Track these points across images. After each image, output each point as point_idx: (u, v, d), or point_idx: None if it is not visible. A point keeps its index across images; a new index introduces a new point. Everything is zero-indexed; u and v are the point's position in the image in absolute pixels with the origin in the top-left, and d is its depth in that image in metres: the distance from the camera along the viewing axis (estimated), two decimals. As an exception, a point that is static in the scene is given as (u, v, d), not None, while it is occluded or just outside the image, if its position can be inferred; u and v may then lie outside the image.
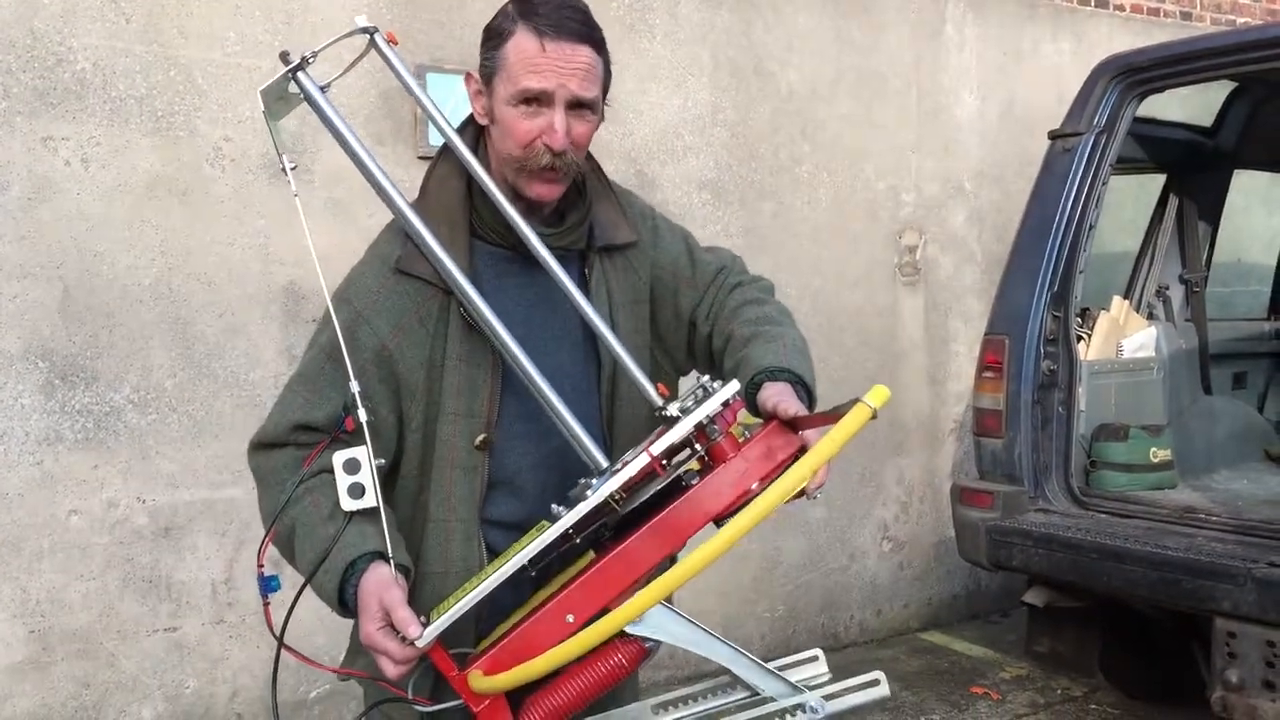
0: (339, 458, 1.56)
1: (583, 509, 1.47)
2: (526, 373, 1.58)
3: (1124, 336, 4.29)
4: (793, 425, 1.53)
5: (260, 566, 1.57)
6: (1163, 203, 4.70)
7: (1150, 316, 4.54)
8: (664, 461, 1.49)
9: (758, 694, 1.53)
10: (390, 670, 1.50)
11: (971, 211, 5.47)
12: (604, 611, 1.45)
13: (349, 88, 3.69)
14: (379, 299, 1.66)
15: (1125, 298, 4.50)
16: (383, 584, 1.53)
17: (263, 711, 3.79)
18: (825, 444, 1.38)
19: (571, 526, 1.48)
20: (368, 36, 1.63)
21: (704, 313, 1.87)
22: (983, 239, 5.50)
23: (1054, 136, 4.02)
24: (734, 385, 1.52)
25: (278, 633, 1.55)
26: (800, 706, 1.51)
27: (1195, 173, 4.66)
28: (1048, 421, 3.90)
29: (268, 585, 1.58)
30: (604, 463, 1.54)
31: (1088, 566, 3.47)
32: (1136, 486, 3.95)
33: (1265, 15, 6.97)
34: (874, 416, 1.39)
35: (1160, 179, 4.91)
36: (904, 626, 5.33)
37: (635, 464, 1.47)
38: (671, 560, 1.53)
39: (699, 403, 1.51)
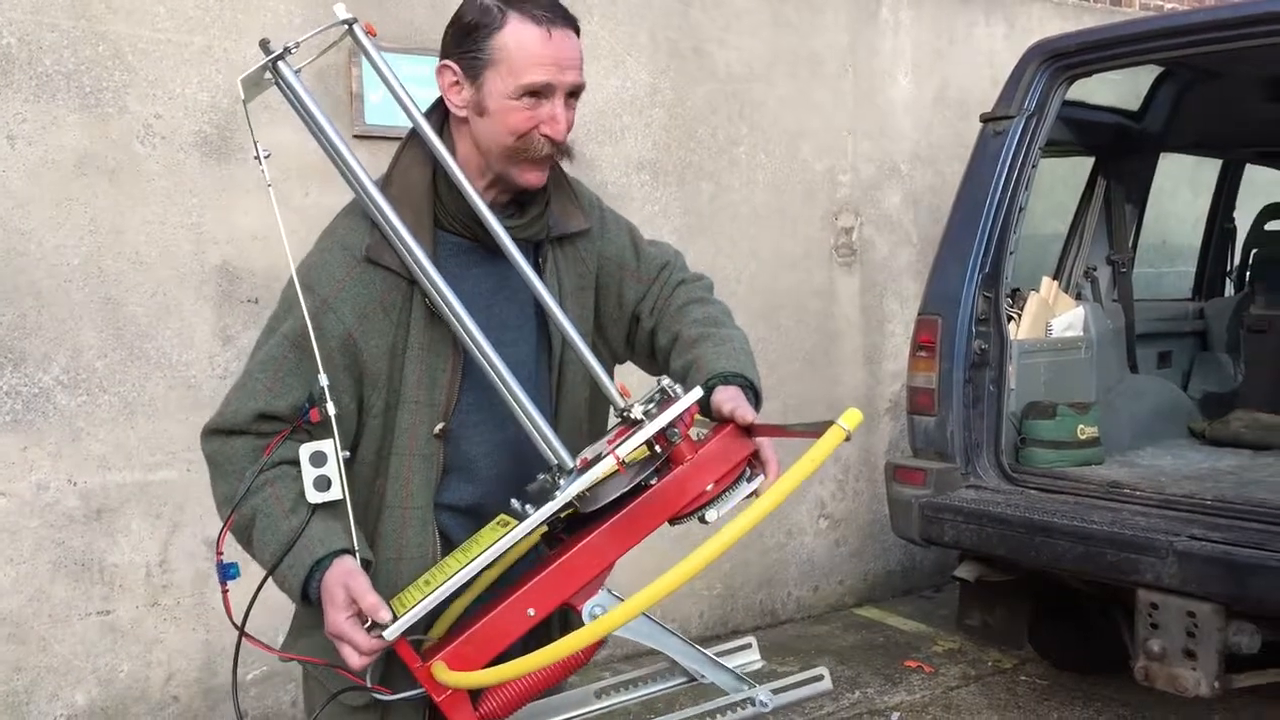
0: (305, 450, 1.58)
1: (551, 508, 1.51)
2: (495, 368, 1.60)
3: (1053, 316, 4.38)
4: (747, 430, 1.60)
5: (219, 554, 1.58)
6: (1091, 185, 4.79)
7: (1078, 297, 4.63)
8: (624, 462, 1.52)
9: (697, 679, 1.62)
10: (355, 661, 1.52)
11: (907, 193, 5.54)
12: (562, 606, 1.54)
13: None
14: (345, 287, 1.64)
15: (1054, 278, 4.59)
16: (347, 573, 1.55)
17: (199, 694, 3.76)
18: (802, 464, 1.42)
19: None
20: (345, 26, 1.62)
21: (648, 307, 1.89)
22: (918, 220, 5.58)
23: (986, 120, 4.08)
24: (697, 392, 1.57)
25: (238, 622, 1.58)
26: (750, 700, 1.59)
27: (1122, 156, 4.76)
28: (979, 400, 3.97)
29: (226, 572, 1.58)
30: (570, 462, 1.56)
31: (1017, 541, 3.54)
32: (1064, 463, 4.04)
33: (1192, 1, 7.11)
34: (848, 439, 1.45)
35: (1089, 162, 5.01)
36: (840, 602, 5.41)
37: (603, 466, 1.51)
38: None
39: (660, 405, 1.56)
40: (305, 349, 1.59)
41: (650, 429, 1.53)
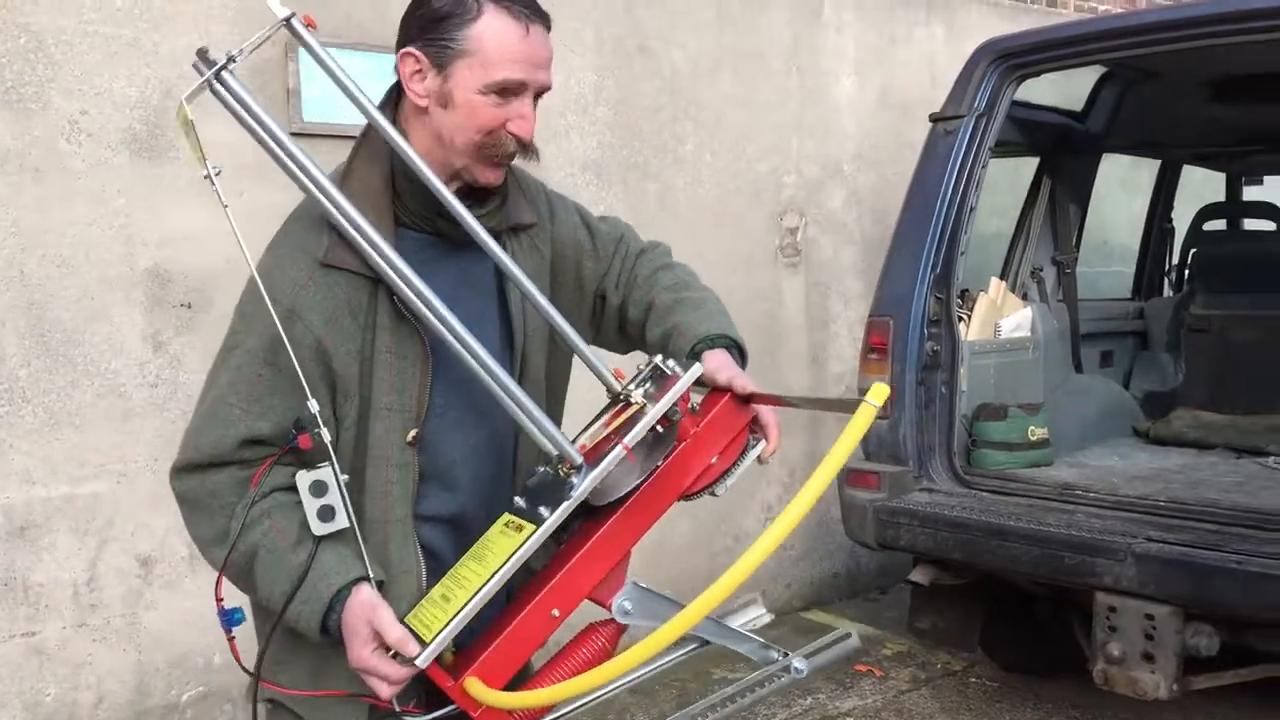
0: (304, 480, 1.50)
1: (568, 507, 1.47)
2: (484, 364, 1.54)
3: (1001, 317, 4.37)
4: (745, 398, 1.60)
5: (220, 600, 1.51)
6: (1036, 185, 4.80)
7: (1025, 297, 4.63)
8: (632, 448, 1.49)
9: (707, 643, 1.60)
10: (385, 691, 1.49)
11: (850, 193, 5.51)
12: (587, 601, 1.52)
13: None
14: (309, 293, 1.54)
15: (1001, 279, 4.58)
16: (368, 605, 1.50)
17: (131, 718, 3.59)
18: (837, 451, 1.38)
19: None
20: (284, 21, 1.49)
21: (612, 283, 1.85)
22: (861, 221, 5.55)
23: (935, 119, 4.05)
24: (697, 369, 1.55)
25: (251, 669, 1.52)
26: (785, 669, 1.59)
27: (1067, 156, 4.77)
28: (931, 402, 3.94)
29: (230, 619, 1.52)
30: (577, 456, 1.52)
31: (974, 545, 3.51)
32: (1015, 465, 4.03)
33: (1124, 4, 7.19)
34: (882, 416, 1.47)
35: (1028, 162, 5.02)
36: (788, 606, 5.36)
37: (613, 456, 1.47)
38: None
39: (655, 383, 1.54)
40: (279, 364, 1.51)
41: (656, 411, 1.49)
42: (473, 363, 1.53)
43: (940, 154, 3.96)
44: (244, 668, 1.53)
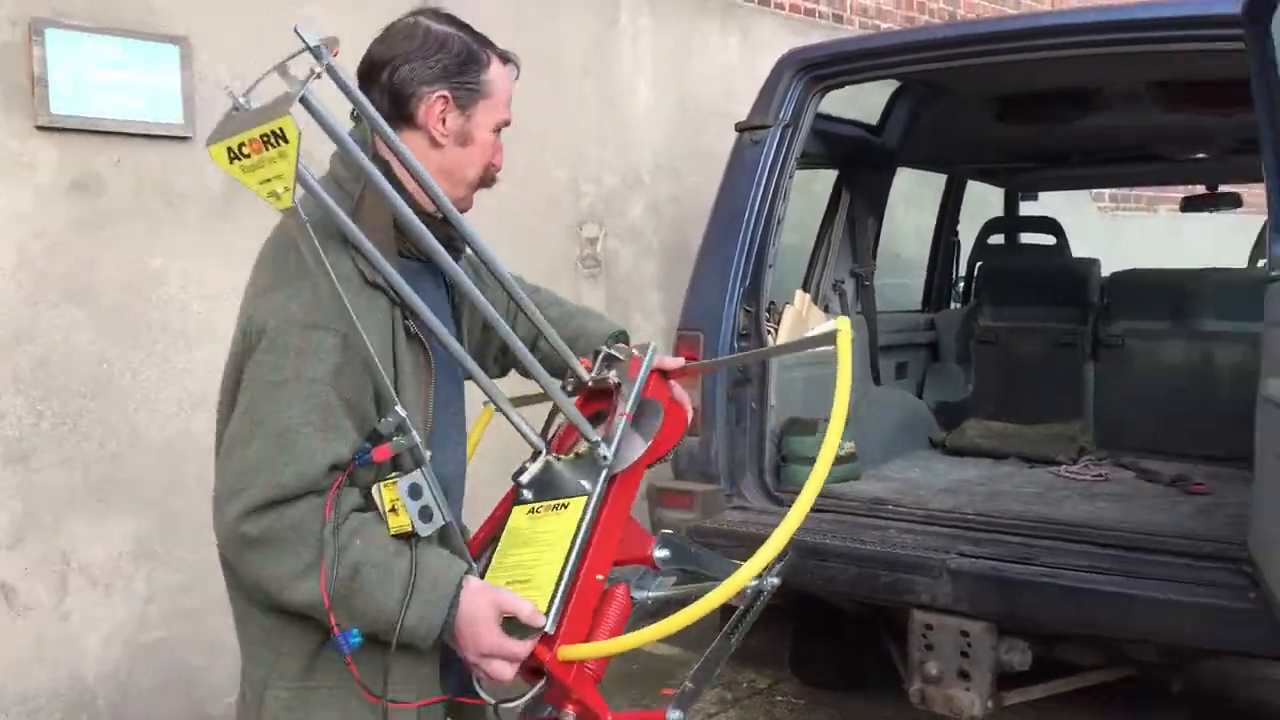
0: (403, 485, 1.56)
1: (606, 475, 1.72)
2: (483, 382, 1.74)
3: (807, 330, 4.30)
4: (664, 372, 1.92)
5: (335, 628, 1.51)
6: (836, 198, 4.79)
7: (826, 309, 4.60)
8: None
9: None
10: (508, 673, 1.57)
11: (649, 203, 5.39)
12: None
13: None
14: (359, 316, 1.54)
15: (804, 291, 4.54)
16: (486, 590, 1.59)
17: None
18: (841, 381, 1.82)
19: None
20: (308, 51, 1.52)
21: (502, 308, 1.93)
22: (660, 231, 5.44)
23: (741, 129, 3.96)
24: (653, 346, 1.90)
25: (377, 691, 1.57)
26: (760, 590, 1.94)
27: (864, 169, 4.78)
28: (741, 418, 3.84)
29: (349, 642, 1.52)
30: (596, 436, 1.73)
31: (791, 565, 3.40)
32: (826, 480, 3.96)
33: (904, 21, 7.39)
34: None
35: (822, 174, 5.02)
36: (590, 630, 5.18)
37: (621, 427, 1.75)
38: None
39: (610, 366, 1.88)
40: (342, 389, 1.57)
41: (637, 388, 1.81)
42: (480, 376, 1.72)
43: (747, 164, 3.87)
44: (367, 689, 1.56)
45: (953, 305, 5.87)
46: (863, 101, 4.74)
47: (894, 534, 3.46)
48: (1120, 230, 9.17)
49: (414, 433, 1.55)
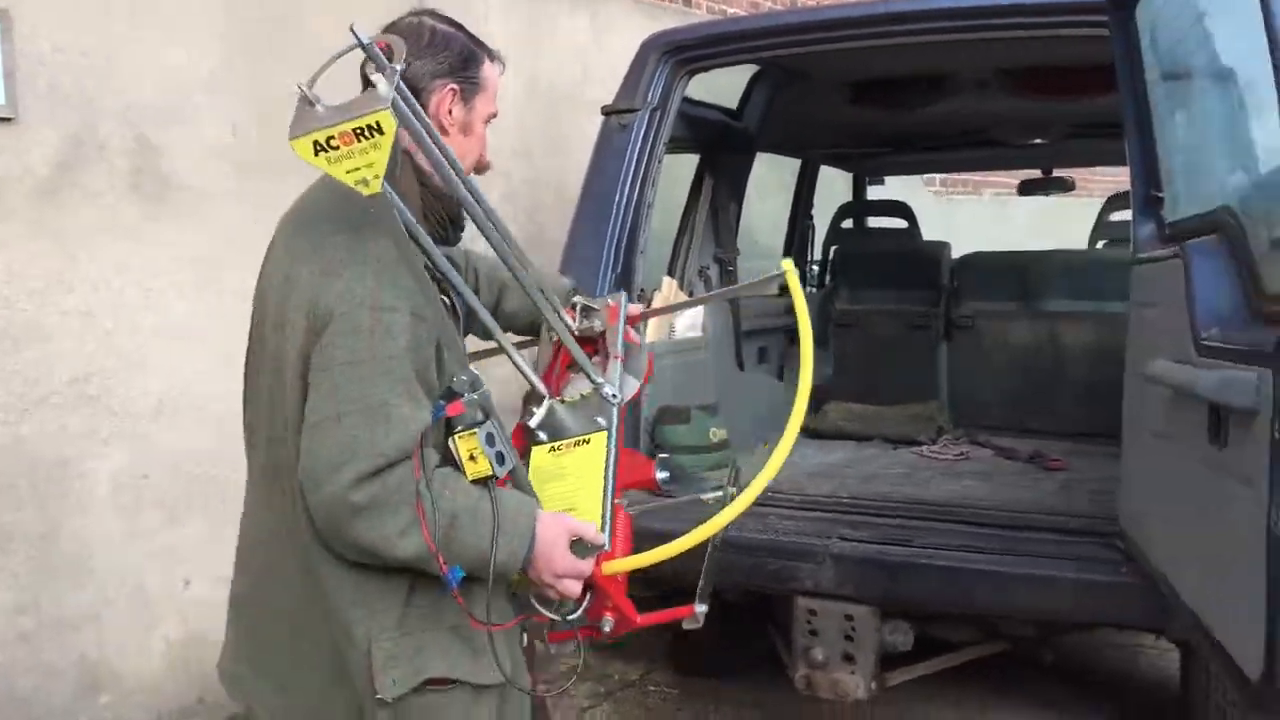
0: (481, 434, 1.72)
1: (615, 413, 2.01)
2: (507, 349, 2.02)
3: (673, 318, 4.26)
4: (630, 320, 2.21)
5: (443, 566, 1.68)
6: (699, 183, 4.75)
7: (692, 295, 4.56)
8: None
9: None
10: (576, 589, 1.82)
11: (504, 189, 5.25)
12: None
13: None
14: (421, 295, 1.73)
15: (670, 277, 4.49)
16: (557, 518, 1.81)
17: None
18: (801, 316, 2.12)
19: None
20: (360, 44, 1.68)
21: (472, 277, 2.25)
22: (516, 218, 5.30)
23: (608, 112, 3.87)
24: (623, 295, 2.21)
25: (482, 617, 1.72)
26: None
27: (726, 153, 4.76)
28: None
29: (455, 579, 1.70)
30: (599, 377, 2.03)
31: (681, 558, 3.35)
32: (700, 467, 3.91)
33: (749, 6, 7.41)
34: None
35: (683, 160, 4.97)
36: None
37: (616, 368, 2.07)
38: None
39: (590, 316, 2.17)
40: (417, 362, 1.70)
41: (619, 333, 2.14)
42: (501, 338, 2.00)
43: (616, 148, 3.78)
44: (478, 620, 1.72)
45: (809, 289, 5.91)
46: (712, 84, 4.71)
47: (775, 520, 3.44)
48: (952, 213, 9.46)
49: (488, 388, 1.75)
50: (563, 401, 2.02)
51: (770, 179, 6.37)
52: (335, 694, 1.80)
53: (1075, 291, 5.08)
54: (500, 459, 1.74)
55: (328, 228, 1.76)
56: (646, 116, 3.80)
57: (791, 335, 5.50)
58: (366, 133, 1.57)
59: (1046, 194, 6.45)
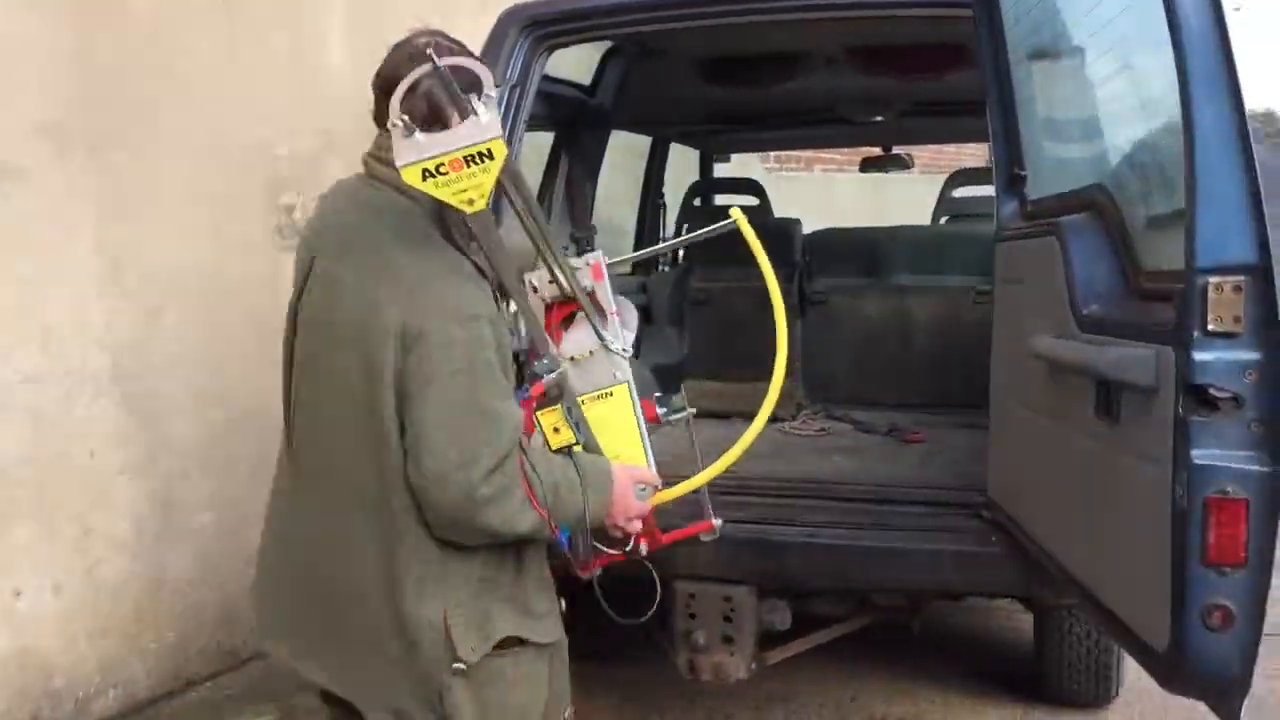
0: (565, 405, 2.02)
1: (626, 366, 2.30)
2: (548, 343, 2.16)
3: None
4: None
5: (555, 530, 1.94)
6: (554, 162, 4.64)
7: (552, 279, 4.45)
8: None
9: None
10: (639, 526, 2.22)
11: (348, 167, 4.99)
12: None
13: None
14: (490, 300, 1.95)
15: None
16: (623, 470, 2.12)
17: None
18: (762, 259, 2.55)
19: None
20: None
21: None
22: (362, 199, 5.10)
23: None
24: (600, 253, 2.49)
25: (590, 577, 2.20)
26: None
27: (581, 131, 4.66)
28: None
29: (564, 538, 2.03)
30: (615, 340, 2.32)
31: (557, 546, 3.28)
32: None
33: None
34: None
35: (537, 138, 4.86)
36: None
37: (615, 325, 2.36)
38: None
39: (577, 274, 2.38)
40: (499, 363, 1.91)
41: (608, 290, 2.39)
42: (523, 305, 2.12)
43: (476, 126, 3.64)
44: (575, 561, 2.17)
45: (662, 268, 5.88)
46: (560, 61, 4.61)
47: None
48: (785, 189, 9.61)
49: (562, 367, 2.03)
50: (571, 360, 2.24)
51: (614, 159, 6.31)
52: (397, 671, 1.96)
53: (922, 266, 5.19)
54: (579, 429, 2.03)
55: (394, 248, 1.93)
56: (507, 93, 3.67)
57: (648, 314, 5.47)
58: (477, 159, 1.75)
59: (886, 171, 6.58)
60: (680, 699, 4.06)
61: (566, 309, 2.35)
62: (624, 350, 2.25)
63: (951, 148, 13.51)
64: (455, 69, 1.83)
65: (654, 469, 2.20)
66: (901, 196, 10.93)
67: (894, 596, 3.38)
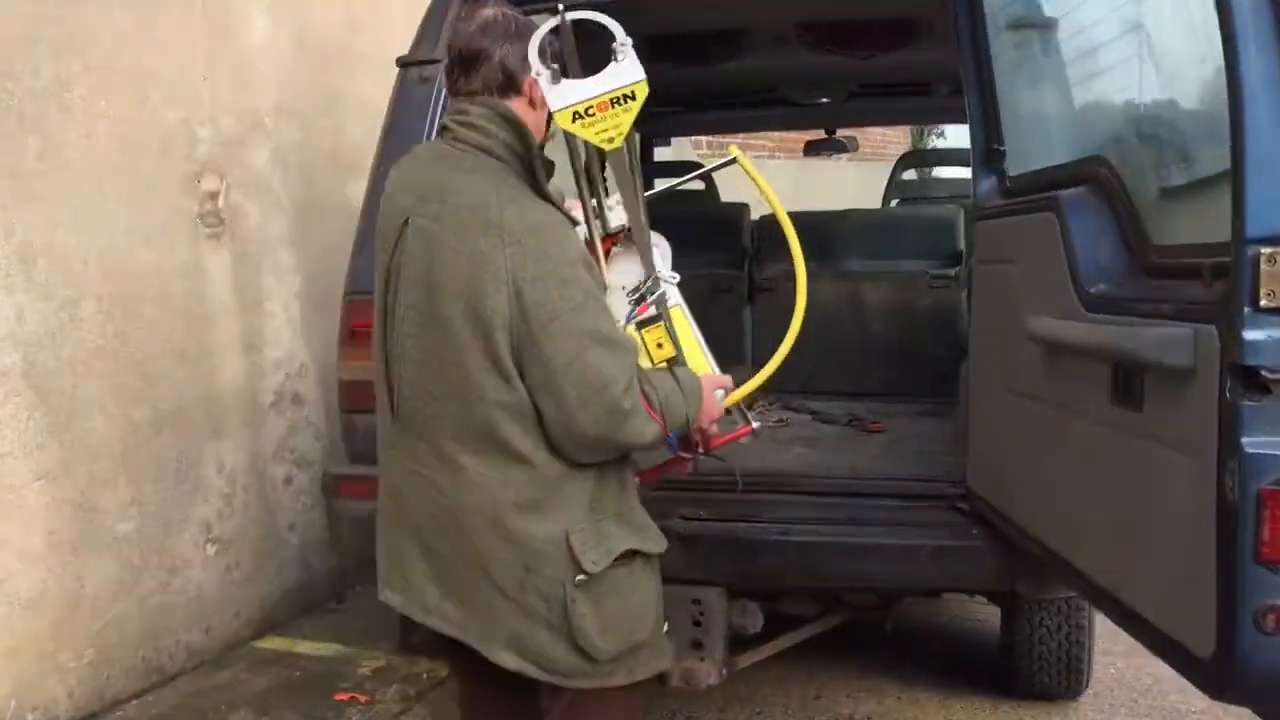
0: (665, 327, 2.37)
1: (676, 290, 2.49)
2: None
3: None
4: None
5: (668, 434, 2.19)
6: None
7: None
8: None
9: None
10: (717, 427, 2.43)
11: (275, 151, 4.77)
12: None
13: None
14: (587, 253, 2.18)
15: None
16: (708, 379, 2.35)
17: None
18: (769, 193, 2.78)
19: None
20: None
21: None
22: (288, 183, 4.84)
23: (405, 64, 3.50)
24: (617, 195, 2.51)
25: (699, 458, 2.50)
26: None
27: (523, 111, 4.45)
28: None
29: (674, 441, 2.26)
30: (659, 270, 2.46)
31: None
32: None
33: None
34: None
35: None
36: (238, 638, 4.56)
37: (657, 257, 2.47)
38: None
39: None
40: (601, 294, 2.17)
41: (646, 223, 2.47)
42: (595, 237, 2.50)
43: (417, 104, 3.41)
44: (681, 455, 2.42)
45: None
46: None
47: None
48: (717, 174, 9.48)
49: (661, 289, 2.36)
50: (622, 289, 2.39)
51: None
52: (503, 604, 2.12)
53: (874, 251, 5.06)
54: (675, 344, 2.30)
55: (495, 203, 2.02)
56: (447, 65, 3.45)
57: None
58: (622, 100, 2.00)
59: (830, 154, 6.45)
60: (643, 701, 3.89)
61: (606, 243, 2.49)
62: (672, 276, 2.41)
63: (877, 133, 13.56)
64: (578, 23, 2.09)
65: (718, 374, 2.39)
66: (831, 181, 10.90)
67: (869, 594, 3.23)
